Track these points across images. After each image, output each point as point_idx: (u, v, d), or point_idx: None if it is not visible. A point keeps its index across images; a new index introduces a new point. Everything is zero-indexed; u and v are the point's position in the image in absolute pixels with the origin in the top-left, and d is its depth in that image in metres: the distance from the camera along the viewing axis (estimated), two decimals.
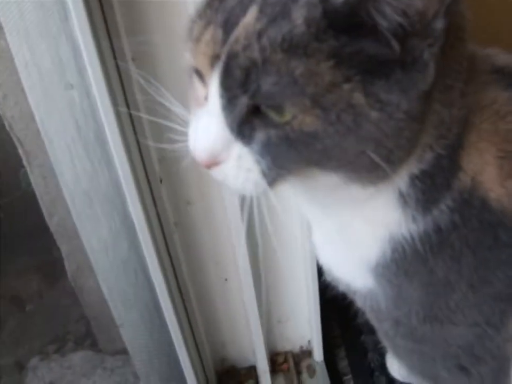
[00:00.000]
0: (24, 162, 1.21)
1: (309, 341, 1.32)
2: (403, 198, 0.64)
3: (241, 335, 1.28)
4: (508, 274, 0.68)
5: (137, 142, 0.96)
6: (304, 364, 1.32)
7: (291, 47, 0.52)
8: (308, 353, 1.34)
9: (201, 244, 1.12)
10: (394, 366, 1.23)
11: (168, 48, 0.91)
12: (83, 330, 1.64)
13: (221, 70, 0.54)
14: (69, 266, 1.36)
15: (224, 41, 0.54)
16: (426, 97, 0.56)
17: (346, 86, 0.52)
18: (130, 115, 0.92)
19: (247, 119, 0.56)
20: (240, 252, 1.10)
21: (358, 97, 0.53)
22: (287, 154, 0.56)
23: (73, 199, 0.98)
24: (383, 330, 0.85)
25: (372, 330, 1.33)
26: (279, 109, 0.54)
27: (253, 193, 0.61)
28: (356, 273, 0.75)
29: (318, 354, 1.30)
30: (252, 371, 1.32)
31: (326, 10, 0.51)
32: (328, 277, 0.85)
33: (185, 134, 0.63)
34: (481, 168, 0.64)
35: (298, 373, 1.31)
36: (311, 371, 1.30)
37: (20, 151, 1.19)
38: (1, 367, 1.60)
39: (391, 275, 0.71)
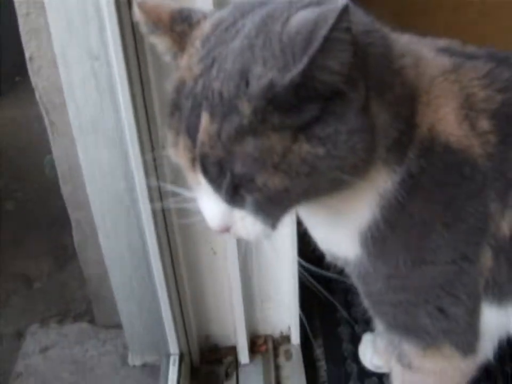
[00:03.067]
0: (48, 131, 1.36)
1: (289, 327, 1.41)
2: (385, 161, 0.76)
3: (226, 313, 1.37)
4: (477, 208, 0.78)
5: None
6: (282, 349, 1.41)
7: (244, 136, 0.65)
8: (287, 339, 1.42)
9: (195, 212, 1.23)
10: (367, 356, 1.31)
11: None
12: (83, 308, 1.75)
13: (200, 169, 0.69)
14: (76, 236, 1.48)
15: (194, 146, 0.68)
16: (365, 108, 0.68)
17: (295, 147, 0.65)
18: None
19: (235, 193, 0.69)
20: None
21: (305, 148, 0.66)
22: (274, 206, 0.71)
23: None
24: (374, 292, 0.92)
25: (348, 323, 1.43)
26: (253, 181, 0.67)
27: (263, 237, 0.76)
28: (347, 246, 0.86)
29: (295, 338, 1.39)
30: (232, 351, 1.41)
31: (270, 99, 0.63)
32: (327, 258, 0.96)
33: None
34: (439, 120, 0.77)
35: (276, 356, 1.39)
36: (288, 355, 1.38)
37: (46, 120, 1.33)
38: (2, 335, 1.71)
39: (378, 234, 0.81)
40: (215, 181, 0.69)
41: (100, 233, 1.30)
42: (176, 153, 0.72)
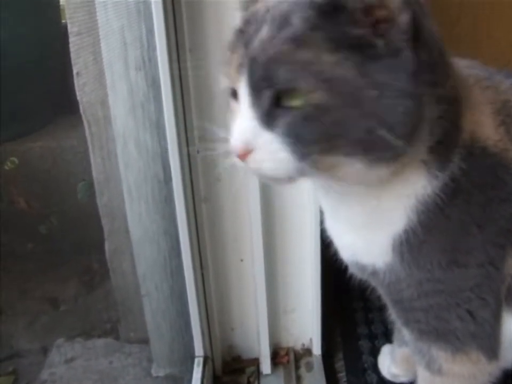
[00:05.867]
0: (89, 143, 1.45)
1: (311, 339, 1.44)
2: (426, 165, 0.80)
3: (250, 323, 1.41)
4: (507, 210, 0.82)
5: None
6: (303, 361, 1.43)
7: (294, 41, 0.69)
8: (308, 352, 1.44)
9: (224, 219, 1.30)
10: (385, 365, 1.33)
11: None
12: (108, 327, 1.79)
13: (246, 73, 0.71)
14: (108, 246, 1.55)
15: (246, 53, 0.72)
16: (416, 77, 0.70)
17: (345, 64, 0.68)
18: None
19: (270, 111, 0.70)
20: (255, 232, 1.27)
21: (355, 76, 0.69)
22: (307, 130, 0.69)
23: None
24: (405, 299, 0.93)
25: (369, 337, 1.46)
26: (294, 92, 0.68)
27: (286, 174, 0.73)
28: (378, 252, 0.88)
29: (317, 350, 1.41)
30: (254, 361, 1.43)
31: (315, 9, 0.69)
32: (351, 269, 0.97)
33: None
34: (478, 124, 0.82)
35: (297, 367, 1.41)
36: (309, 367, 1.41)
37: (87, 132, 1.43)
38: (28, 350, 1.75)
39: (414, 238, 0.83)
40: (256, 87, 0.70)
41: (133, 240, 1.37)
42: (227, 71, 0.75)
